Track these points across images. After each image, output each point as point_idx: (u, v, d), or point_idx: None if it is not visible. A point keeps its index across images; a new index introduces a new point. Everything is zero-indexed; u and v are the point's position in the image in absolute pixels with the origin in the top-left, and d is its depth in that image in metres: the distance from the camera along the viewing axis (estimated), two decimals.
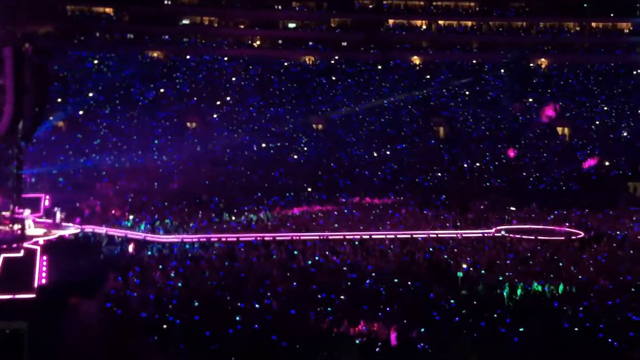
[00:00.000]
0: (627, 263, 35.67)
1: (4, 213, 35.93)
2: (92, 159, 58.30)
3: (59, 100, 64.94)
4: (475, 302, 27.73)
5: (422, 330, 23.86)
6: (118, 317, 24.71)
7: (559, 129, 72.05)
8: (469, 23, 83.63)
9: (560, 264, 35.06)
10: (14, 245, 33.91)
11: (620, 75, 79.37)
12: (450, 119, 72.28)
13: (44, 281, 30.32)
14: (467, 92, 76.14)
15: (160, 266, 32.24)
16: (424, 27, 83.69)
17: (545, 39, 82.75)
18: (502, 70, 77.76)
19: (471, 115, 72.68)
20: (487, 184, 60.44)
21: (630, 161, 64.55)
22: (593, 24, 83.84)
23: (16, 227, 35.18)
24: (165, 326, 23.80)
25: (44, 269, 31.66)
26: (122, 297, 27.22)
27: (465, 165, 63.84)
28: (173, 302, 26.61)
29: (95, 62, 72.92)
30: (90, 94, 67.99)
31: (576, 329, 24.69)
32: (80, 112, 65.94)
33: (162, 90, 71.33)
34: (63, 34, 73.05)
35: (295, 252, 36.25)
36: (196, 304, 26.20)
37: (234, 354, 21.83)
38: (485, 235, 43.50)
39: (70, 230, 40.24)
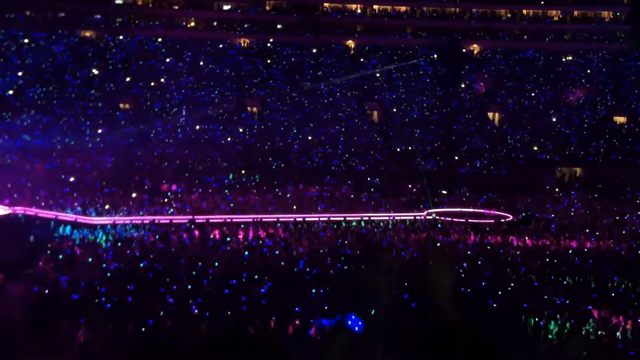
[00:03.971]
0: (554, 246, 36.69)
1: None
2: (22, 139, 57.23)
3: None
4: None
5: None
6: (47, 299, 24.52)
7: (490, 114, 73.18)
8: (403, 8, 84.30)
9: (489, 247, 35.89)
10: None
11: (549, 62, 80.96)
12: (384, 103, 72.80)
13: None
14: (400, 77, 76.71)
15: (92, 248, 32.05)
16: (359, 11, 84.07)
17: (477, 25, 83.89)
18: (435, 56, 78.61)
19: (404, 100, 73.27)
20: (420, 167, 61.18)
21: (558, 146, 66.08)
22: (524, 11, 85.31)
23: None
24: (95, 307, 23.70)
25: None
26: (52, 279, 27.01)
27: (398, 149, 64.45)
28: (105, 283, 26.49)
29: (26, 40, 71.41)
30: (20, 73, 66.63)
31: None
32: (10, 92, 64.56)
33: (94, 70, 70.30)
34: None
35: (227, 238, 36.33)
36: (128, 286, 26.12)
37: (166, 335, 21.86)
38: (417, 218, 44.16)
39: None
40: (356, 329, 3.87)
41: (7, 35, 71.08)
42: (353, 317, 3.93)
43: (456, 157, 63.79)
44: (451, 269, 4.06)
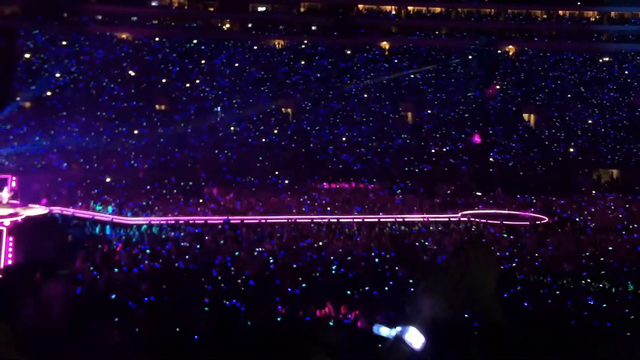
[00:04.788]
0: (590, 248, 36.30)
1: None
2: (59, 140, 57.91)
3: (27, 81, 64.40)
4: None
5: (391, 313, 24.11)
6: (83, 298, 24.79)
7: (525, 115, 72.72)
8: (438, 9, 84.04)
9: (524, 249, 35.59)
10: None
11: (585, 63, 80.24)
12: (418, 104, 72.59)
13: (9, 262, 30.26)
14: (435, 78, 76.50)
15: (127, 248, 32.30)
16: (394, 12, 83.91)
17: (513, 26, 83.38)
18: (470, 57, 78.24)
19: (439, 101, 73.06)
20: (454, 168, 60.94)
21: (595, 147, 65.51)
22: (560, 12, 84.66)
23: None
24: (129, 307, 23.89)
25: (10, 249, 31.56)
26: (89, 279, 27.29)
27: (433, 150, 64.25)
28: (139, 284, 26.70)
29: (63, 43, 72.23)
30: (58, 75, 67.41)
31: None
32: (48, 93, 65.34)
33: (130, 71, 70.95)
34: (30, 14, 72.17)
35: (259, 236, 36.41)
36: (163, 286, 26.30)
37: (199, 335, 21.99)
38: (452, 219, 43.96)
39: (37, 211, 40.04)
40: (416, 346, 3.86)
41: (44, 37, 71.90)
42: (414, 332, 3.90)
43: (491, 159, 63.46)
44: (493, 260, 3.93)
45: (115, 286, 26.30)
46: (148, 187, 49.41)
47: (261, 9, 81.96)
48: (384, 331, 3.94)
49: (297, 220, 41.11)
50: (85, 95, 65.99)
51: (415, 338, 3.85)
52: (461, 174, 58.72)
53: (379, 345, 3.86)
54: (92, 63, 70.60)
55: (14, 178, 46.08)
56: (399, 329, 3.89)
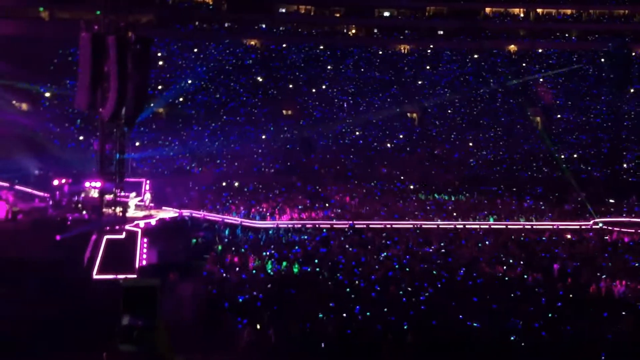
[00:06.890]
0: None
1: (107, 196, 36.90)
2: (190, 145, 59.48)
3: (160, 87, 66.40)
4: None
5: (518, 321, 23.75)
6: (213, 298, 25.46)
7: None
8: (568, 11, 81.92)
9: None
10: (117, 227, 34.94)
11: None
12: (548, 109, 70.92)
13: (144, 262, 31.28)
14: (565, 82, 74.63)
15: (256, 251, 32.85)
16: (522, 15, 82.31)
17: None
18: (602, 60, 75.84)
19: (569, 106, 71.23)
20: (585, 175, 59.21)
21: None
22: None
23: (119, 210, 36.15)
24: (257, 309, 24.34)
25: (145, 250, 32.65)
26: (219, 280, 27.96)
27: (563, 156, 62.68)
28: (267, 286, 27.17)
29: (195, 50, 74.11)
30: (189, 81, 69.18)
31: None
32: (180, 99, 67.13)
33: (258, 77, 72.17)
34: (164, 22, 74.45)
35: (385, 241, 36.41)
36: (290, 289, 26.68)
37: (325, 338, 22.21)
38: (583, 227, 42.71)
39: (169, 214, 41.32)
40: None
41: (176, 45, 73.98)
42: None
43: (625, 165, 61.40)
44: None
45: (244, 288, 26.86)
46: (275, 191, 50.15)
47: (386, 14, 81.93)
48: None
49: (423, 226, 40.85)
50: (215, 101, 67.57)
51: None
52: (593, 180, 57.00)
53: None
54: (222, 69, 72.17)
55: (147, 181, 47.89)
56: None
